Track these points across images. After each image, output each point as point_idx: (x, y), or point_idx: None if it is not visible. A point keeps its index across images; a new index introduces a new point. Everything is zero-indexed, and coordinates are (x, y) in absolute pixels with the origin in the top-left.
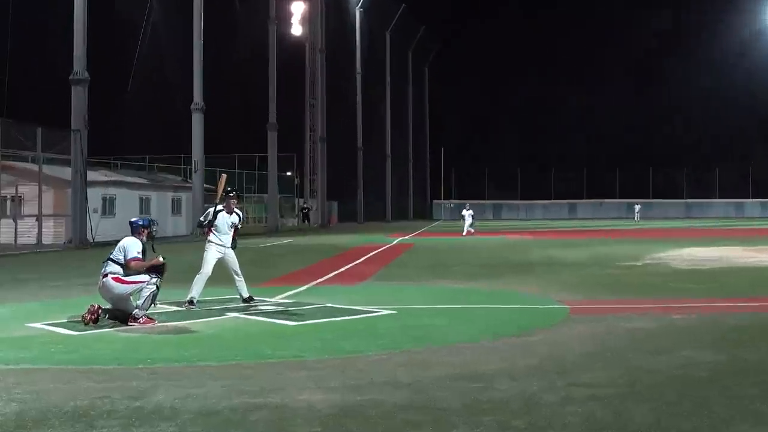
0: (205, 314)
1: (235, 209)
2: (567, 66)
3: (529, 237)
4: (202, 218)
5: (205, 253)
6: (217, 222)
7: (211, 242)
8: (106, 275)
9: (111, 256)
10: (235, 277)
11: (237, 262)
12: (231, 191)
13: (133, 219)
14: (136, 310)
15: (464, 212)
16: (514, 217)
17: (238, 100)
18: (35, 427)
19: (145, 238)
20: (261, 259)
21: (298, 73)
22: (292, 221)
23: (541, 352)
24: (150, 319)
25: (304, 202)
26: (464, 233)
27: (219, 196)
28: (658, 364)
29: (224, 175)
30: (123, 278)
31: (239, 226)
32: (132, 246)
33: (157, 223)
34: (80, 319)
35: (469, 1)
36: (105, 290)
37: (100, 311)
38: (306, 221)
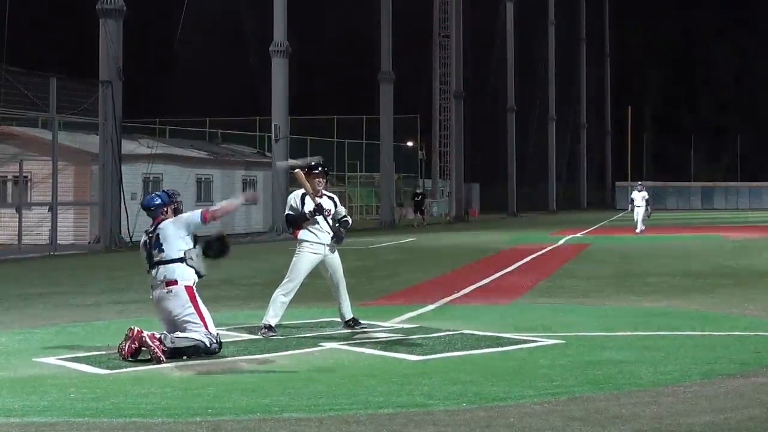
0: (290, 345)
1: (325, 192)
2: None
3: (756, 235)
4: (291, 211)
5: (296, 258)
6: (306, 211)
7: (304, 242)
8: (169, 283)
9: (162, 257)
10: (338, 290)
11: (341, 268)
12: (315, 166)
13: (149, 197)
14: (168, 335)
15: (634, 194)
16: (733, 207)
17: (337, 43)
18: None
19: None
20: (371, 267)
21: (422, 1)
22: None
23: None
24: (162, 349)
25: (417, 187)
26: (638, 229)
27: (310, 192)
28: None
29: (298, 170)
30: (192, 288)
31: (339, 212)
32: (188, 216)
33: (180, 195)
34: (116, 350)
35: None
36: (165, 303)
37: (143, 338)
38: (419, 213)
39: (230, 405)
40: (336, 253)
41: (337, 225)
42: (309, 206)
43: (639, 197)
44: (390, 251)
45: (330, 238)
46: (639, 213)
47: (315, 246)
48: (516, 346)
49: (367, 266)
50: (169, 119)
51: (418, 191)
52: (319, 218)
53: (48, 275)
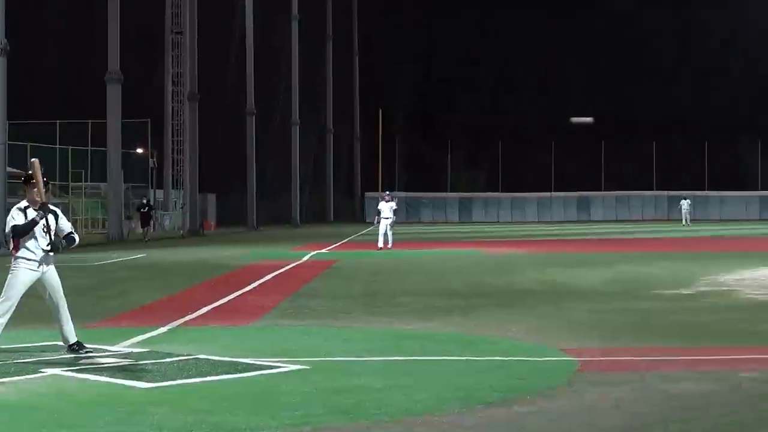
0: (8, 371)
1: (48, 204)
2: None
3: (518, 250)
4: (16, 221)
5: (10, 275)
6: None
7: (20, 258)
8: None
9: None
10: (58, 311)
11: (60, 287)
12: (31, 176)
13: None
14: None
15: (381, 204)
16: (494, 219)
17: (60, 41)
18: None
19: None
20: (96, 285)
21: None
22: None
23: (535, 430)
24: None
25: (145, 197)
26: (383, 244)
27: (41, 190)
28: None
29: (35, 160)
30: None
31: (63, 228)
32: None
33: None
34: None
35: None
36: None
37: None
38: (146, 228)
39: None
40: (54, 270)
41: (62, 240)
42: (32, 216)
43: (387, 208)
44: (118, 268)
45: (45, 251)
46: (387, 226)
47: (31, 263)
48: (256, 372)
49: (92, 284)
50: None
51: (144, 201)
52: (39, 233)
53: None
